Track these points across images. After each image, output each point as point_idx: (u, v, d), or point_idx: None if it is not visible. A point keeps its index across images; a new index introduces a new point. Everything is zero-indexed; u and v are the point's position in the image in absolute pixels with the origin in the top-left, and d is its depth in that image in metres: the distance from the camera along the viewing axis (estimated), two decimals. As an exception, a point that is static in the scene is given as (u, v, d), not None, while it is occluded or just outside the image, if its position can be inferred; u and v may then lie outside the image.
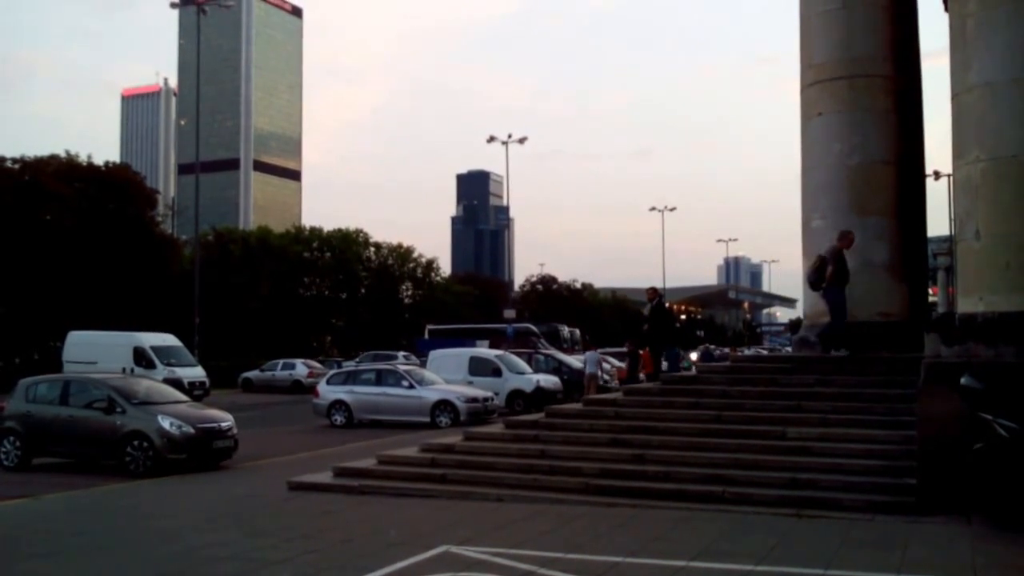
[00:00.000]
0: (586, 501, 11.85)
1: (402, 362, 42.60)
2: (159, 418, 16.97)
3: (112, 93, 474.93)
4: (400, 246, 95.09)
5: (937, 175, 53.14)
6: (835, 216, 16.20)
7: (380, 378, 27.71)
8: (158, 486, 15.29)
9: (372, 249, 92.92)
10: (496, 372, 30.66)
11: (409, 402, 26.07)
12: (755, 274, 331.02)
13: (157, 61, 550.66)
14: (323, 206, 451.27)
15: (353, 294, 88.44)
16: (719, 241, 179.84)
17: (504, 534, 10.46)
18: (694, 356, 55.69)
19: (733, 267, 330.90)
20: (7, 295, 52.80)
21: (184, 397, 20.38)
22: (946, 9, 13.68)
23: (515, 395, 29.70)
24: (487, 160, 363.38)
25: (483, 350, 37.56)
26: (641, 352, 25.31)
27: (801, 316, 18.70)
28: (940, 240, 50.94)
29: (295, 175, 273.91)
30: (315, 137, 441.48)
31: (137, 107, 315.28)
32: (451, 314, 79.99)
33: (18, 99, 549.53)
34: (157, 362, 37.44)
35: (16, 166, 58.85)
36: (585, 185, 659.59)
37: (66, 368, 35.73)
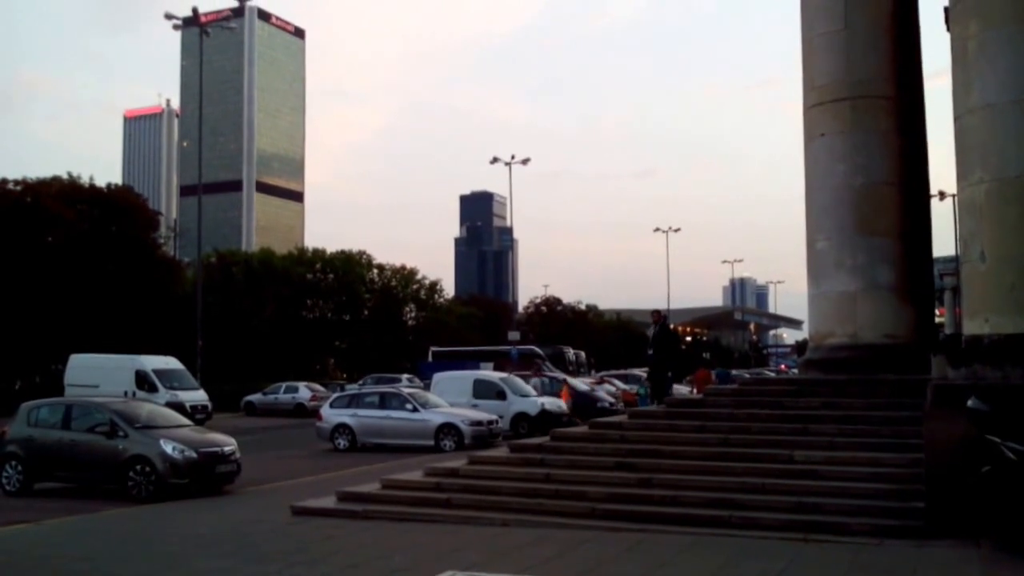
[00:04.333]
0: (592, 526, 11.77)
1: (406, 385, 42.51)
2: (161, 442, 16.91)
3: (114, 114, 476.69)
4: (403, 268, 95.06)
5: (942, 195, 53.15)
6: (839, 237, 16.18)
7: (384, 401, 27.59)
8: (160, 511, 15.20)
9: (375, 271, 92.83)
10: (500, 395, 30.52)
11: (413, 425, 25.96)
12: (761, 295, 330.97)
13: (159, 82, 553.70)
14: (326, 227, 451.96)
15: (356, 316, 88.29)
16: (724, 262, 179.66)
17: (510, 559, 10.40)
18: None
19: (739, 288, 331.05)
20: (8, 318, 52.74)
21: (187, 421, 20.27)
22: (948, 30, 13.71)
23: (520, 418, 29.55)
24: (490, 181, 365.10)
25: (487, 373, 37.44)
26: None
27: (807, 338, 18.63)
28: (946, 261, 50.80)
29: (298, 196, 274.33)
30: (318, 158, 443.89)
31: (139, 128, 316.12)
32: (455, 336, 79.88)
33: (20, 120, 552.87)
34: (159, 385, 37.41)
35: (18, 188, 58.92)
36: (589, 206, 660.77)
37: (68, 391, 35.67)
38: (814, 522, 11.03)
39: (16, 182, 59.30)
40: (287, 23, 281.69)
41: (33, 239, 54.84)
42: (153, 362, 39.29)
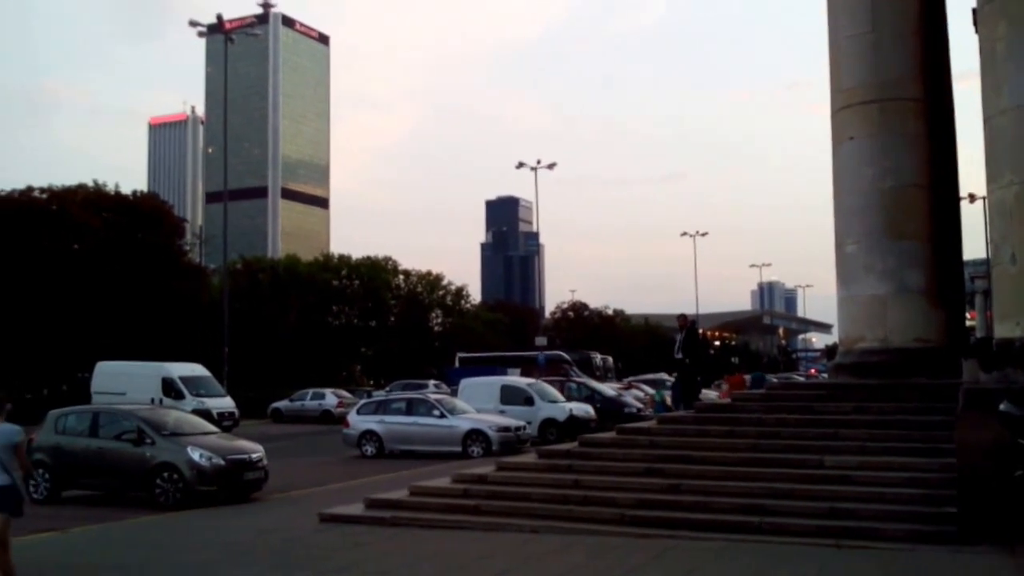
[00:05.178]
0: (621, 532, 11.72)
1: (433, 391, 42.45)
2: (189, 450, 16.94)
3: (139, 122, 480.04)
4: (429, 273, 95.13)
5: (972, 198, 52.69)
6: (868, 241, 16.04)
7: (411, 408, 27.54)
8: (188, 519, 15.24)
9: (401, 277, 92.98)
10: (528, 401, 30.45)
11: (440, 432, 25.92)
12: (789, 299, 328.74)
13: (184, 90, 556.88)
14: (351, 233, 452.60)
15: (382, 322, 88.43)
16: (752, 266, 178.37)
17: (539, 566, 10.37)
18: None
19: (767, 292, 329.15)
20: (36, 326, 53.14)
21: (214, 428, 20.25)
22: (976, 31, 13.58)
23: (548, 424, 29.43)
24: (516, 186, 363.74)
25: (515, 378, 37.35)
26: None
27: (837, 342, 18.47)
28: (977, 263, 50.47)
29: (323, 202, 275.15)
30: (343, 164, 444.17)
31: (165, 136, 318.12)
32: (481, 342, 79.78)
33: (46, 128, 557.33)
34: (186, 393, 37.49)
35: (44, 195, 59.40)
36: (616, 210, 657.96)
37: (95, 399, 35.83)
38: (846, 528, 10.94)
39: (42, 190, 59.79)
40: (311, 29, 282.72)
41: (59, 247, 55.24)
42: (180, 369, 39.44)
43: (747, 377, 40.66)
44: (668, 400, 33.02)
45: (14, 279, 52.20)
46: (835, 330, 24.07)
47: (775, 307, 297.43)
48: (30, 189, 59.86)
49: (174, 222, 66.58)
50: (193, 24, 50.33)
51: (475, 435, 25.41)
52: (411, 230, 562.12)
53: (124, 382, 37.20)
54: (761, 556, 10.40)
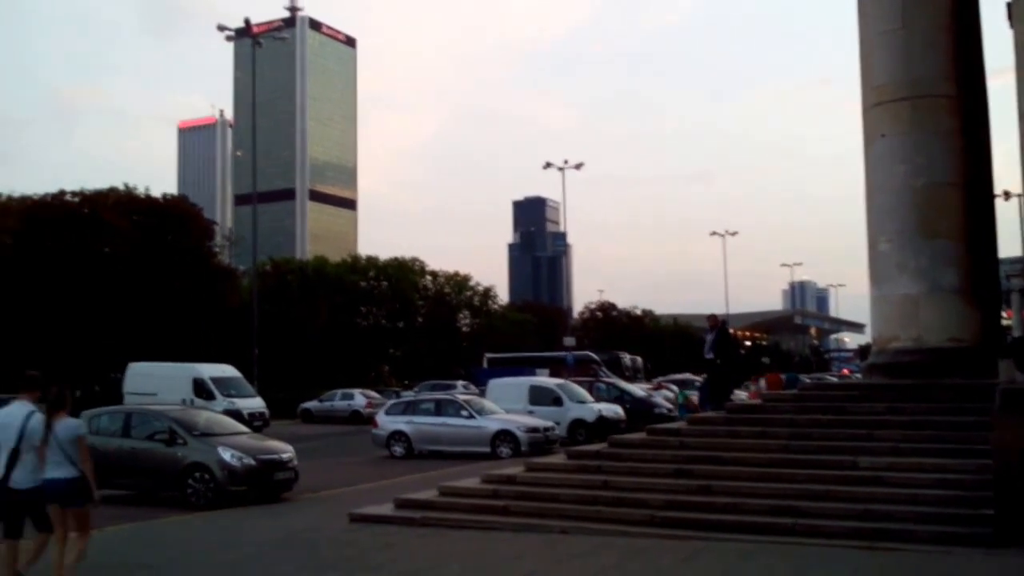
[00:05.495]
0: (651, 533, 11.65)
1: (461, 392, 42.50)
2: (220, 450, 17.01)
3: (168, 125, 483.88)
4: (457, 274, 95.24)
5: (1007, 195, 52.23)
6: (901, 239, 15.86)
7: (439, 408, 27.57)
8: (219, 518, 15.30)
9: (428, 277, 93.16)
10: (557, 401, 30.43)
11: (469, 432, 25.92)
12: (821, 299, 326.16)
13: (212, 93, 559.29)
14: (379, 234, 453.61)
15: (410, 323, 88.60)
16: (783, 265, 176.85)
17: (569, 567, 10.32)
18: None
19: (798, 292, 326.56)
20: (69, 328, 53.61)
21: (244, 428, 20.34)
22: (1011, 27, 13.42)
23: (577, 425, 29.41)
24: (543, 186, 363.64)
25: (543, 379, 37.36)
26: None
27: (870, 341, 18.31)
28: (1013, 262, 49.90)
29: (351, 204, 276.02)
30: (370, 165, 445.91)
31: (193, 139, 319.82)
32: (509, 343, 79.79)
33: (76, 132, 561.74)
34: (217, 393, 37.71)
35: (76, 199, 59.93)
36: (644, 210, 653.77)
37: (127, 400, 36.05)
38: (880, 530, 10.83)
39: (74, 193, 60.31)
40: (338, 32, 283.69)
41: (92, 250, 55.72)
42: (210, 370, 39.69)
43: (783, 377, 40.41)
44: (695, 400, 32.91)
45: (48, 282, 52.72)
46: (868, 330, 23.88)
47: (807, 307, 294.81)
48: (62, 193, 60.40)
49: (204, 224, 66.95)
50: (221, 28, 50.60)
51: (504, 436, 25.38)
52: (438, 231, 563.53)
53: (156, 383, 37.44)
54: (794, 558, 10.31)
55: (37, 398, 9.26)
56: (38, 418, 8.99)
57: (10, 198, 59.52)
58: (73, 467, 8.92)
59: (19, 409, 9.13)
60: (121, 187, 62.92)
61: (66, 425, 9.02)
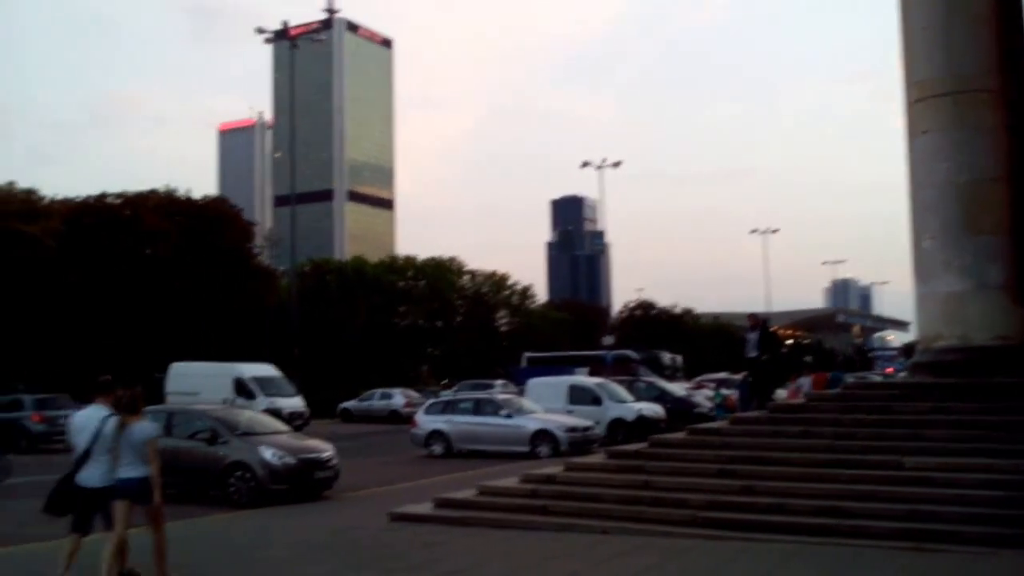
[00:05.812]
0: (693, 534, 11.56)
1: (500, 391, 42.50)
2: (261, 449, 17.11)
3: (208, 128, 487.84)
4: (495, 273, 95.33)
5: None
6: (945, 236, 15.61)
7: (478, 407, 27.58)
8: (260, 517, 15.39)
9: (466, 277, 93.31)
10: (596, 401, 30.30)
11: (508, 432, 25.88)
12: (864, 296, 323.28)
13: (252, 95, 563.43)
14: (416, 234, 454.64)
15: (448, 323, 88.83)
16: (825, 263, 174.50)
17: (611, 567, 10.26)
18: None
19: (841, 290, 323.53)
20: (111, 328, 54.23)
21: (285, 427, 20.46)
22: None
23: (616, 424, 29.23)
24: (581, 184, 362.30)
25: (582, 378, 37.23)
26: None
27: (915, 340, 18.06)
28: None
29: (388, 204, 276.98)
30: (407, 165, 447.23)
31: (233, 141, 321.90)
32: (548, 342, 79.70)
33: (117, 135, 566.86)
34: (257, 393, 37.93)
35: (118, 201, 60.62)
36: (683, 207, 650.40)
37: (169, 399, 36.40)
38: (926, 530, 10.67)
39: (116, 195, 61.03)
40: (375, 33, 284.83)
41: (133, 251, 56.32)
42: (251, 369, 39.94)
43: (829, 376, 39.94)
44: (734, 399, 32.64)
45: (91, 283, 53.37)
46: (913, 328, 23.59)
47: (849, 304, 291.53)
48: (104, 195, 61.14)
49: (243, 226, 67.46)
50: (259, 31, 51.04)
51: (543, 435, 25.31)
52: (476, 230, 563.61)
53: (197, 382, 37.73)
54: (839, 559, 10.19)
55: (111, 401, 9.72)
56: (113, 421, 9.46)
57: (53, 200, 60.34)
58: (145, 467, 9.40)
59: (95, 412, 9.62)
60: (162, 189, 63.63)
61: (140, 428, 9.50)
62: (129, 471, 9.38)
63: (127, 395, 9.71)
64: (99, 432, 9.40)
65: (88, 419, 9.61)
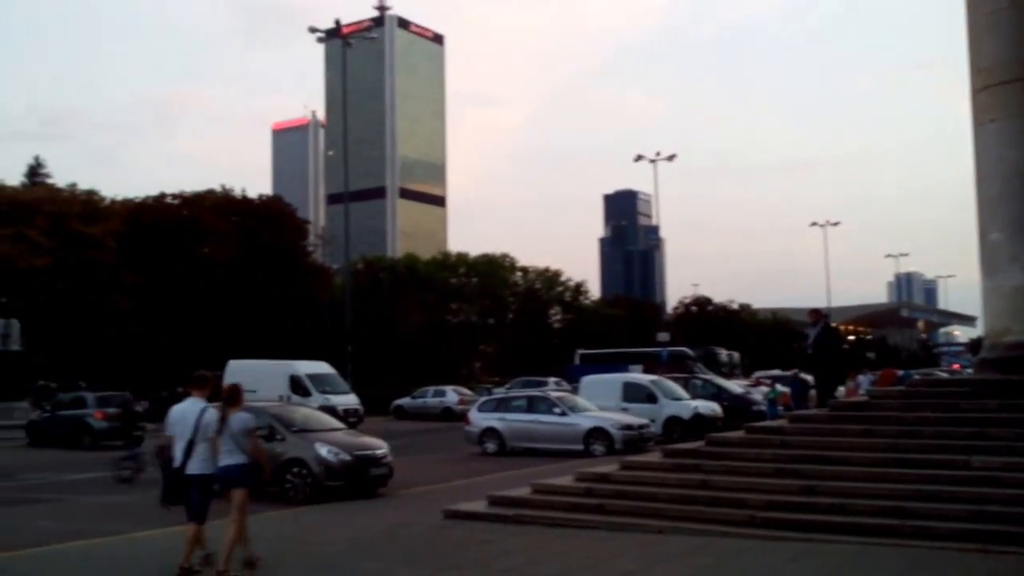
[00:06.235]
0: (752, 534, 11.34)
1: (553, 388, 42.32)
2: (317, 445, 17.16)
3: (262, 127, 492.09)
4: (547, 269, 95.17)
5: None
6: (1013, 229, 15.15)
7: (531, 405, 27.45)
8: (316, 513, 15.43)
9: (519, 273, 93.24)
10: (651, 398, 30.02)
11: (562, 430, 25.71)
12: (929, 291, 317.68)
13: (305, 94, 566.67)
14: (468, 230, 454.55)
15: (501, 320, 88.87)
16: (887, 256, 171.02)
17: (668, 568, 10.09)
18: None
19: (904, 284, 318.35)
20: (170, 327, 54.88)
21: (340, 424, 20.57)
22: None
23: (672, 422, 28.95)
24: (635, 178, 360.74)
25: (637, 375, 36.93)
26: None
27: (982, 335, 17.62)
28: None
29: (440, 201, 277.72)
30: (458, 162, 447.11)
31: (287, 140, 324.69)
32: (601, 338, 79.26)
33: (173, 135, 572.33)
34: (312, 390, 38.15)
35: (176, 201, 61.42)
36: (740, 201, 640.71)
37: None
38: (994, 532, 10.37)
39: (174, 196, 61.84)
40: (426, 30, 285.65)
41: (191, 251, 57.00)
42: (306, 367, 40.19)
43: (899, 373, 39.19)
44: (788, 396, 32.20)
45: (151, 283, 54.09)
46: (980, 322, 23.07)
47: (913, 299, 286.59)
48: (163, 196, 62.03)
49: (298, 224, 68.02)
50: (312, 30, 51.29)
51: (597, 433, 25.12)
52: (528, 226, 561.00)
53: (254, 379, 37.79)
54: (903, 560, 9.95)
55: (207, 395, 10.37)
56: (212, 412, 10.09)
57: (113, 201, 61.25)
58: (243, 455, 10.04)
59: (193, 405, 10.23)
60: (218, 189, 64.40)
61: (239, 418, 10.11)
62: (229, 459, 9.98)
63: (228, 388, 10.37)
64: (198, 423, 9.97)
65: (186, 412, 10.16)
